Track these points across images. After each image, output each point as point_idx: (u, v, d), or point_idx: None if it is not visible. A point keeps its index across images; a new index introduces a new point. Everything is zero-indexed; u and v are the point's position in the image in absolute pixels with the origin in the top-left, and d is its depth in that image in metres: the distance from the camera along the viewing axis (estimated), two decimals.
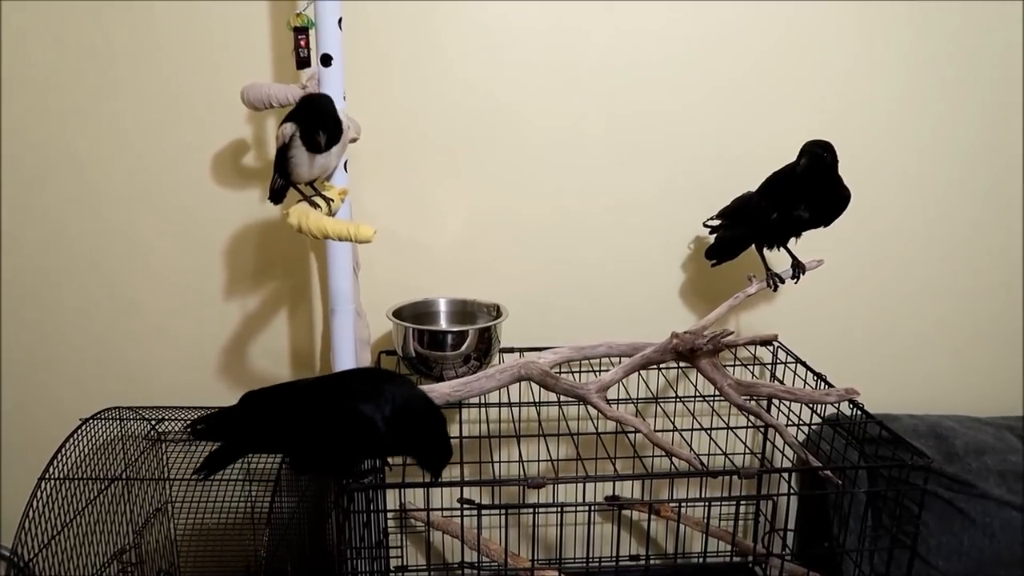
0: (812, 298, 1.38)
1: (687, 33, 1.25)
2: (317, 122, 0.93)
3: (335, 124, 0.94)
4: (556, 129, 1.27)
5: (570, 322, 1.34)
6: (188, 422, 0.90)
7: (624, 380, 1.26)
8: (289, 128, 0.94)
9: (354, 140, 1.10)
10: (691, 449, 1.03)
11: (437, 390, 1.05)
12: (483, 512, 0.90)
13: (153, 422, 1.26)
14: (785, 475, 1.29)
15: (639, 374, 1.31)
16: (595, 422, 1.16)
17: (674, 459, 0.95)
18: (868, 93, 1.30)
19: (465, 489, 1.23)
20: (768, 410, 1.31)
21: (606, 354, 1.09)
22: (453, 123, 1.26)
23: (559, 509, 0.91)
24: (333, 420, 0.78)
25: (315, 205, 0.94)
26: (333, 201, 0.99)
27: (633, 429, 0.96)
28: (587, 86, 1.26)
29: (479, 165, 1.28)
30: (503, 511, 0.88)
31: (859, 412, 1.11)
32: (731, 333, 0.98)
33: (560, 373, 1.30)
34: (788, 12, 1.25)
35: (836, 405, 1.20)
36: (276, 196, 1.02)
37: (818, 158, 1.01)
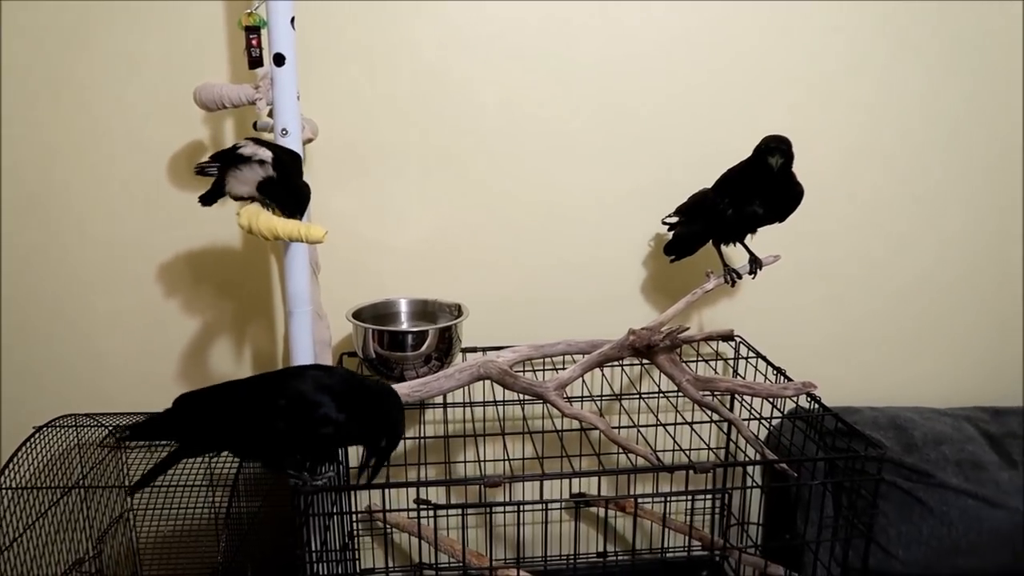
0: (775, 293, 1.40)
1: (652, 35, 1.26)
2: (295, 201, 0.95)
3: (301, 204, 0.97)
4: (517, 130, 1.27)
5: (533, 321, 1.35)
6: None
7: (588, 377, 1.28)
8: (266, 155, 0.94)
9: (310, 141, 1.09)
10: (650, 446, 1.04)
11: (397, 391, 1.04)
12: (441, 513, 0.90)
13: (111, 428, 1.24)
14: (748, 469, 1.30)
15: (601, 371, 1.32)
16: (558, 420, 1.16)
17: (633, 456, 0.95)
18: (826, 95, 1.32)
19: (430, 489, 1.24)
20: (731, 405, 1.32)
21: (565, 352, 1.09)
22: (413, 122, 1.25)
23: (518, 508, 0.90)
24: (279, 407, 0.80)
25: (266, 205, 0.93)
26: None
27: (592, 426, 0.97)
28: (550, 86, 1.26)
29: (441, 165, 1.28)
30: (461, 511, 0.88)
31: (817, 405, 1.12)
32: (687, 329, 0.99)
33: (521, 372, 1.30)
34: (752, 16, 1.26)
35: (795, 399, 1.22)
36: (207, 199, 1.01)
37: (785, 155, 1.02)
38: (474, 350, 1.28)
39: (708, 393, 1.04)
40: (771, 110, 1.30)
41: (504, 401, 1.27)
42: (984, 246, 1.44)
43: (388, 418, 0.82)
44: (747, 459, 1.27)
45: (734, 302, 1.40)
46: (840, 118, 1.33)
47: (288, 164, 0.98)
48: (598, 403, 1.34)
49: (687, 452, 1.11)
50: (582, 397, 1.30)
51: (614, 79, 1.27)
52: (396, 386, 1.05)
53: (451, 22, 1.22)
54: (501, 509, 1.25)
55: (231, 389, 0.86)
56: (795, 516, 1.30)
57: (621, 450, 1.02)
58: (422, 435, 1.33)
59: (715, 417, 1.23)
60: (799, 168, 1.11)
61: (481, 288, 1.32)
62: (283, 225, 0.86)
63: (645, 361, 1.05)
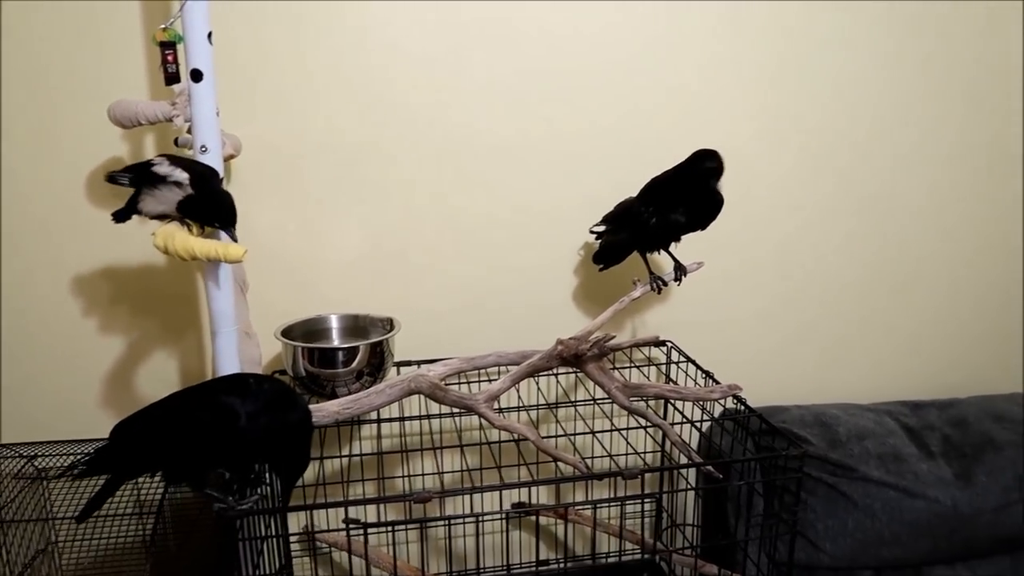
0: (706, 298, 1.43)
1: (586, 47, 1.28)
2: (224, 214, 0.94)
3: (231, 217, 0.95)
4: (449, 140, 1.28)
5: (469, 332, 1.35)
6: (74, 458, 0.87)
7: (524, 387, 1.29)
8: (182, 176, 0.92)
9: (232, 157, 1.08)
10: (579, 454, 1.05)
11: (326, 409, 1.03)
12: (380, 530, 0.89)
13: (29, 459, 1.18)
14: (683, 471, 1.33)
15: (535, 381, 1.33)
16: (493, 432, 1.16)
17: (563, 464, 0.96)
18: (756, 109, 1.36)
19: (370, 506, 1.22)
20: (665, 410, 1.35)
21: (496, 363, 1.10)
22: (343, 135, 1.24)
23: (447, 522, 0.90)
24: (195, 414, 0.81)
25: (184, 224, 0.91)
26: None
27: (524, 437, 0.97)
28: (482, 96, 1.27)
29: (371, 178, 1.27)
30: (389, 528, 0.87)
31: (743, 407, 1.15)
32: (613, 337, 1.01)
33: (455, 384, 1.31)
34: (685, 22, 1.30)
35: (723, 402, 1.25)
36: (121, 216, 0.98)
37: (721, 169, 1.06)
38: (408, 363, 1.28)
39: (638, 399, 1.06)
40: (700, 119, 1.34)
41: (440, 415, 1.27)
42: (905, 247, 1.51)
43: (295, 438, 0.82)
44: (673, 463, 1.30)
45: (667, 308, 1.43)
46: (769, 131, 1.38)
47: (209, 179, 0.96)
48: (533, 413, 1.35)
49: (622, 458, 1.13)
50: (518, 407, 1.31)
51: (547, 90, 1.29)
52: (326, 404, 1.04)
53: (383, 28, 1.21)
54: (434, 523, 1.24)
55: (155, 407, 0.85)
56: (727, 515, 1.34)
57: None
58: (360, 451, 1.32)
59: (646, 423, 1.26)
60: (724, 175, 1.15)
61: (415, 301, 1.32)
62: (201, 245, 0.84)
63: (573, 369, 1.06)
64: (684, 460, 1.34)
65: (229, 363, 1.08)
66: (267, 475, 0.96)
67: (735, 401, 1.16)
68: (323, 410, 1.03)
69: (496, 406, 1.19)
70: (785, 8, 1.32)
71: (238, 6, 1.16)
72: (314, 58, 1.21)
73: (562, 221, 1.34)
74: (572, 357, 1.02)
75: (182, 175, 0.90)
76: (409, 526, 1.24)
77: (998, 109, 1.47)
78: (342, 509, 0.90)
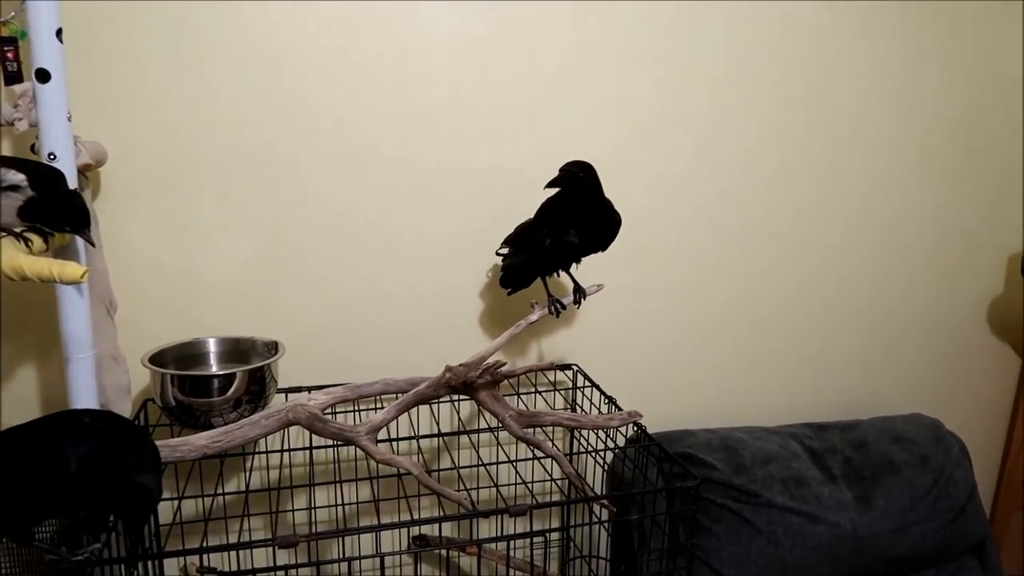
0: (615, 321, 1.41)
1: (473, 57, 1.23)
2: (75, 215, 0.84)
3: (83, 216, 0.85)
4: (344, 154, 1.21)
5: (367, 357, 1.28)
6: None
7: (423, 415, 1.22)
8: (17, 178, 0.81)
9: (89, 167, 0.98)
10: (463, 490, 0.99)
11: (192, 443, 0.94)
12: None
13: None
14: (581, 506, 1.28)
15: (435, 408, 1.27)
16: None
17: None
18: (655, 126, 1.35)
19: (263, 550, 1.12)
20: (572, 438, 1.31)
21: (383, 391, 1.03)
22: (226, 146, 1.16)
23: (316, 568, 0.83)
24: (17, 459, 0.71)
25: (20, 239, 0.81)
26: (53, 236, 0.87)
27: (406, 471, 0.91)
28: (378, 110, 1.20)
29: (259, 191, 1.19)
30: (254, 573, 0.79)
31: (642, 433, 1.12)
32: (504, 364, 0.96)
33: (352, 412, 1.23)
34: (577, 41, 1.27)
35: (625, 430, 1.22)
36: None
37: (573, 177, 1.02)
38: (299, 390, 1.20)
39: (534, 428, 1.01)
40: (601, 138, 1.32)
41: (336, 444, 1.19)
42: (805, 270, 1.52)
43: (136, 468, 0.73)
44: (602, 490, 1.27)
45: (576, 331, 1.40)
46: (664, 151, 1.36)
47: (53, 179, 0.86)
48: (437, 441, 1.29)
49: (540, 484, 1.07)
50: (418, 436, 1.24)
51: (447, 104, 1.23)
52: (193, 437, 0.95)
53: (266, 30, 1.14)
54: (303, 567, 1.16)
55: None
56: (634, 546, 1.30)
57: (471, 487, 0.98)
58: (243, 486, 1.22)
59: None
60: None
61: (307, 323, 1.24)
62: (31, 264, 0.75)
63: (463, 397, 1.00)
64: (595, 488, 1.31)
65: (84, 393, 0.97)
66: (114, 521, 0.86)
67: (635, 428, 1.13)
68: (189, 444, 0.94)
69: (388, 435, 1.13)
70: (679, 19, 1.32)
71: (101, 3, 1.07)
72: (191, 61, 1.12)
73: (468, 242, 1.28)
74: (461, 385, 0.97)
75: (16, 177, 0.80)
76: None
77: (900, 132, 1.50)
78: (208, 554, 0.82)
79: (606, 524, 1.32)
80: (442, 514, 0.90)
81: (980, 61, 1.51)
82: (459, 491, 0.86)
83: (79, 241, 0.91)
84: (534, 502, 0.90)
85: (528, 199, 1.14)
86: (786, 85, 1.40)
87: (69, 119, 0.91)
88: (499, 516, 1.25)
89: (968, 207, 1.59)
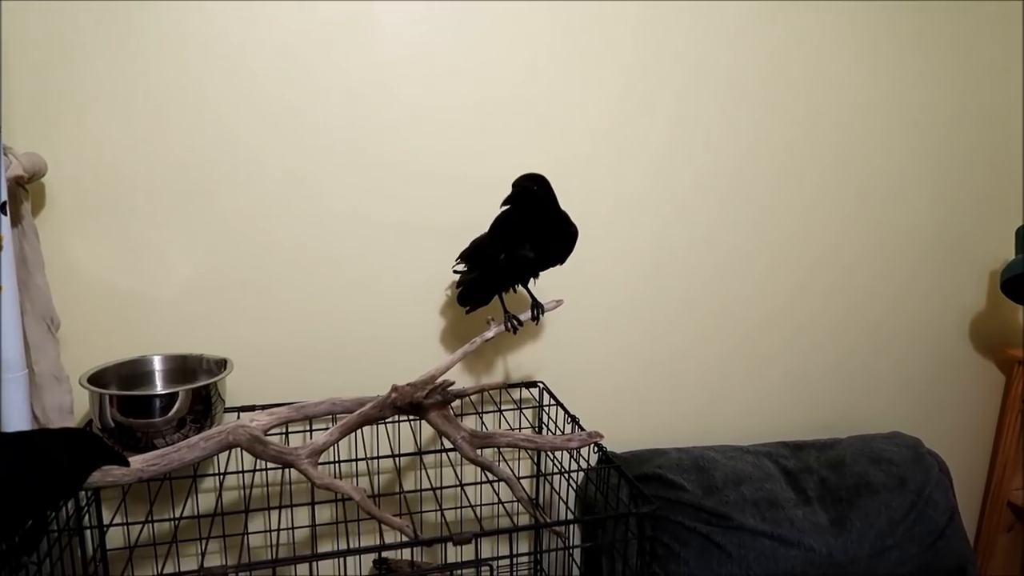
0: (583, 338, 1.37)
1: (427, 69, 1.21)
2: None
3: None
4: (295, 169, 1.18)
5: (320, 374, 1.24)
6: None
7: (382, 434, 1.19)
8: None
9: (23, 178, 0.95)
10: (432, 511, 0.95)
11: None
12: None
13: None
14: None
15: (394, 428, 1.23)
16: (364, 479, 1.05)
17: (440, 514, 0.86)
18: (616, 144, 1.32)
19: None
20: (539, 459, 1.27)
21: (330, 412, 0.99)
22: (171, 164, 1.12)
23: None
24: None
25: None
26: None
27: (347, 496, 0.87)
28: (329, 121, 1.17)
29: (207, 207, 1.15)
30: None
31: (602, 454, 1.08)
32: (453, 383, 0.92)
33: (301, 432, 1.19)
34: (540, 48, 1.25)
35: (581, 450, 1.18)
36: None
37: (528, 191, 0.99)
38: (251, 408, 1.16)
39: (486, 450, 0.98)
40: (559, 151, 1.29)
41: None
42: (783, 285, 1.48)
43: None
44: (569, 512, 1.23)
45: (544, 348, 1.36)
46: (634, 166, 1.33)
47: None
48: (397, 461, 1.25)
49: (512, 504, 1.03)
50: (379, 456, 1.20)
51: (399, 112, 1.21)
52: (131, 458, 0.91)
53: (208, 49, 1.11)
54: None
55: None
56: (602, 571, 1.26)
57: (431, 508, 0.93)
58: (194, 510, 1.18)
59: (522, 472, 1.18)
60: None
61: (259, 340, 1.21)
62: None
63: (411, 417, 0.97)
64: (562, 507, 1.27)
65: (18, 414, 0.94)
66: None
67: (596, 449, 1.09)
68: (121, 467, 0.90)
69: (351, 456, 1.09)
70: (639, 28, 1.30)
71: (41, 5, 1.04)
72: (141, 69, 1.09)
73: (424, 258, 1.25)
74: (408, 405, 0.93)
75: None
76: None
77: (881, 149, 1.47)
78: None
79: (573, 550, 1.28)
80: (381, 543, 0.86)
81: (964, 78, 1.49)
82: (425, 513, 0.82)
83: (5, 255, 0.88)
84: (501, 525, 0.86)
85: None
86: (763, 106, 1.37)
87: None
88: (477, 540, 1.22)
89: (949, 223, 1.56)
